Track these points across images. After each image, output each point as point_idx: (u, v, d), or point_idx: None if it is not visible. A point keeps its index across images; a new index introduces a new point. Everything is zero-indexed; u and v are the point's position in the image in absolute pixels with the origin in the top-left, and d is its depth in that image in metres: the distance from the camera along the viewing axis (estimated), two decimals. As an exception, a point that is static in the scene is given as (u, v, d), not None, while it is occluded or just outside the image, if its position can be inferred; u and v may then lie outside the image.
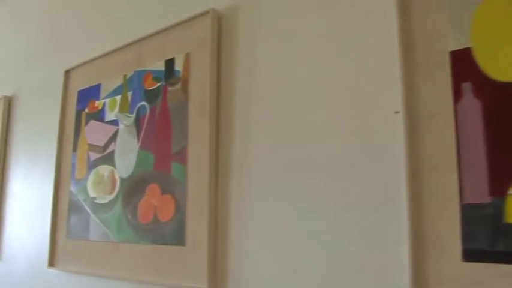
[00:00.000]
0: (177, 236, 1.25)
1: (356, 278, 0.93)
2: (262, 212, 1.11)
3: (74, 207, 1.62)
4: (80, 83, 1.72)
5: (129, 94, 1.49)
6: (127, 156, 1.45)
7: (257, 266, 1.11)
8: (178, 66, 1.35)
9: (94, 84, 1.65)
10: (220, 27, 1.29)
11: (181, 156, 1.28)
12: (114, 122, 1.52)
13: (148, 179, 1.37)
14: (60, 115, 1.76)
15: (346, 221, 0.96)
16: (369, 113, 0.96)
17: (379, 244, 0.90)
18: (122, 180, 1.45)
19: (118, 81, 1.54)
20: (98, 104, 1.61)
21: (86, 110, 1.66)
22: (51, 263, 1.67)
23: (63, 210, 1.67)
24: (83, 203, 1.58)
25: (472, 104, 0.81)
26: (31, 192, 1.92)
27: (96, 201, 1.53)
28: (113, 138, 1.51)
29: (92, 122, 1.61)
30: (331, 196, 0.99)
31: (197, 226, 1.20)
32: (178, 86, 1.33)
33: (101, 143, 1.55)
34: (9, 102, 2.18)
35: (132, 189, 1.41)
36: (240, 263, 1.14)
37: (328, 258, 0.98)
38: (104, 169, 1.52)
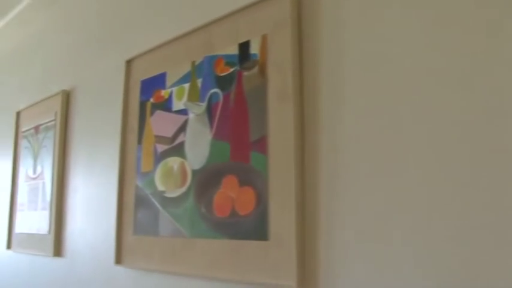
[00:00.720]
0: (258, 230, 1.18)
1: (471, 278, 0.83)
2: (356, 204, 1.03)
3: (141, 202, 1.57)
4: (143, 73, 1.67)
5: (199, 81, 1.42)
6: (199, 146, 1.38)
7: (350, 263, 1.02)
8: (254, 49, 1.27)
9: (159, 73, 1.59)
10: (301, 6, 1.21)
11: (261, 144, 1.20)
12: (183, 112, 1.46)
13: (224, 170, 1.30)
14: (122, 107, 1.72)
15: (450, 216, 0.87)
16: (482, 100, 0.86)
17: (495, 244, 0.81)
18: (194, 172, 1.39)
19: (186, 69, 1.48)
20: (164, 93, 1.55)
21: (151, 100, 1.60)
22: (118, 260, 1.63)
23: (129, 205, 1.62)
24: (150, 197, 1.53)
25: None
26: (93, 187, 1.88)
27: (166, 195, 1.48)
28: (182, 128, 1.45)
29: (158, 113, 1.56)
30: (432, 189, 0.90)
31: (282, 219, 1.13)
32: (255, 70, 1.26)
33: (169, 134, 1.49)
34: (67, 97, 2.16)
35: (206, 181, 1.35)
36: (331, 258, 1.06)
37: (433, 258, 0.88)
38: (173, 161, 1.46)
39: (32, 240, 2.25)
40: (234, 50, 1.33)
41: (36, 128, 2.35)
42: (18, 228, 2.43)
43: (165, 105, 1.54)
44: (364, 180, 1.02)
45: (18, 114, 2.58)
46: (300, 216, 1.12)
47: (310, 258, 1.10)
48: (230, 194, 1.27)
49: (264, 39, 1.25)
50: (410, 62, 0.98)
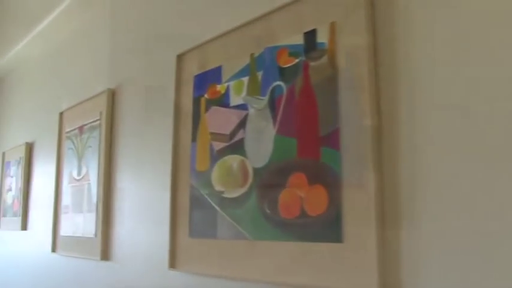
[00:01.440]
0: (331, 231, 1.11)
1: None
2: (439, 205, 0.94)
3: (197, 203, 1.52)
4: (196, 67, 1.62)
5: (259, 74, 1.36)
6: (261, 143, 1.32)
7: (434, 268, 0.94)
8: (322, 38, 1.21)
9: (213, 67, 1.53)
10: (373, -11, 1.13)
11: (333, 139, 1.13)
12: (242, 107, 1.40)
13: (290, 168, 1.23)
14: (174, 104, 1.67)
15: None
16: None
17: None
18: (256, 170, 1.33)
19: (244, 61, 1.42)
20: (220, 88, 1.49)
21: (206, 96, 1.55)
22: (173, 264, 1.58)
23: (183, 206, 1.57)
24: (207, 197, 1.47)
25: None
26: (142, 187, 1.84)
27: (224, 195, 1.42)
28: (242, 124, 1.39)
29: (214, 109, 1.50)
30: None
31: (359, 220, 1.05)
32: (323, 60, 1.19)
33: (227, 131, 1.43)
34: (112, 95, 2.12)
35: (270, 180, 1.28)
36: (414, 262, 0.98)
37: None
38: (232, 159, 1.40)
39: (77, 243, 2.23)
40: (298, 40, 1.27)
41: (81, 128, 2.32)
42: (63, 231, 2.41)
43: (222, 101, 1.48)
44: (448, 179, 0.94)
45: (61, 114, 2.57)
46: (380, 217, 1.04)
47: (392, 262, 1.02)
48: (298, 193, 1.20)
49: (332, 26, 1.18)
50: (505, 47, 0.89)
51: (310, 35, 1.24)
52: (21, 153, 2.93)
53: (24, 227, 2.84)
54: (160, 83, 1.81)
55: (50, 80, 2.90)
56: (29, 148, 2.88)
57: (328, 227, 1.12)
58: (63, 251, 2.38)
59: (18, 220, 2.87)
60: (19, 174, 2.96)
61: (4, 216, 3.14)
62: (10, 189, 3.09)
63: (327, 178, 1.14)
